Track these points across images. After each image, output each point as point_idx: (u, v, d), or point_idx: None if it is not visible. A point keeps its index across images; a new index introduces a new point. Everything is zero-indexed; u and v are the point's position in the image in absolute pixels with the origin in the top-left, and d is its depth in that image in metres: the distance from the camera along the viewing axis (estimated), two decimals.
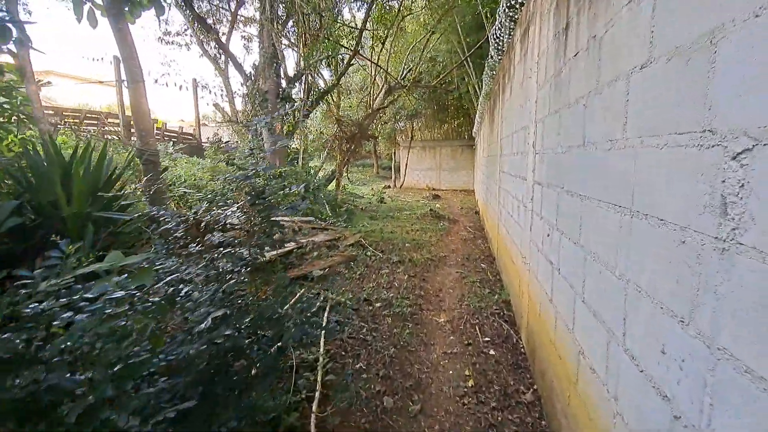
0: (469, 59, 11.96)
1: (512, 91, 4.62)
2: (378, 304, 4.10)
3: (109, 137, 6.31)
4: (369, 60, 11.42)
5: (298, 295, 3.97)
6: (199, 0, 8.92)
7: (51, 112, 8.76)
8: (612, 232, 1.49)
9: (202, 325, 1.40)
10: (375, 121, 16.26)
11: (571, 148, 2.06)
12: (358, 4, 11.58)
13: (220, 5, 10.49)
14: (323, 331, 3.17)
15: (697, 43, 0.98)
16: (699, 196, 0.96)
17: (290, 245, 5.16)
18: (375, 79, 11.78)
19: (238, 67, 7.52)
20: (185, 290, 1.59)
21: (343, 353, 3.12)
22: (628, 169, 1.36)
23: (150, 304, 1.42)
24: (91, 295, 1.25)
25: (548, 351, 2.44)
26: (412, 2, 13.59)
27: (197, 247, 1.83)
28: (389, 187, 20.09)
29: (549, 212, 2.53)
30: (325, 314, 3.58)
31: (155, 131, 12.09)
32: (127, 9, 3.43)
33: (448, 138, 20.81)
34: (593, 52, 1.75)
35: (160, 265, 1.79)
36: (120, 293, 1.47)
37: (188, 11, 6.69)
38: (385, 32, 11.81)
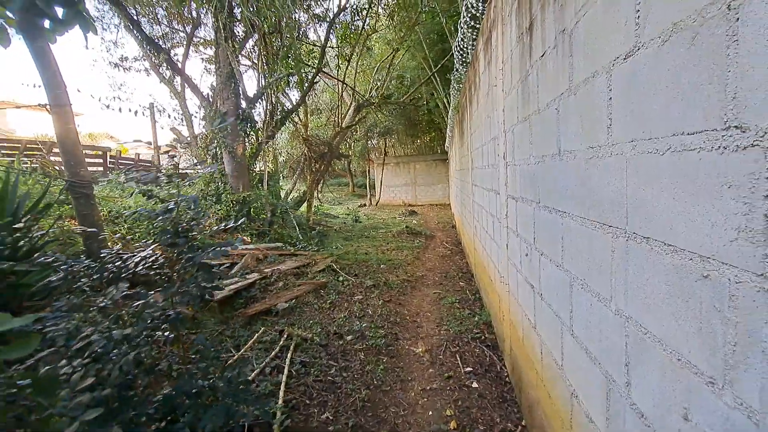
0: (436, 74, 12.00)
1: (479, 102, 4.46)
2: (349, 337, 3.74)
3: (51, 169, 5.75)
4: (335, 78, 11.25)
5: (255, 336, 3.57)
6: (152, 23, 8.55)
7: None
8: (602, 257, 1.23)
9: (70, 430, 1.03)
10: (346, 139, 16.05)
11: (544, 158, 1.83)
12: (321, 25, 11.48)
13: (176, 27, 10.13)
14: (284, 379, 2.78)
15: (707, 12, 0.73)
16: (727, 216, 0.70)
17: (252, 276, 4.76)
18: (342, 97, 11.61)
19: (194, 88, 7.16)
20: (74, 365, 1.22)
21: (308, 401, 2.74)
22: (618, 180, 1.11)
23: (15, 390, 1.05)
24: None
25: (535, 384, 2.15)
26: (376, 21, 13.65)
27: (103, 302, 1.46)
28: (365, 205, 19.81)
29: (525, 230, 2.28)
30: (288, 355, 3.19)
31: (111, 159, 11.42)
32: (47, 26, 3.05)
33: (421, 153, 20.83)
34: (563, 48, 1.53)
35: (52, 328, 1.41)
36: None
37: (137, 32, 6.32)
38: (351, 51, 11.72)
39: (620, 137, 1.08)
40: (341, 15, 9.72)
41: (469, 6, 4.05)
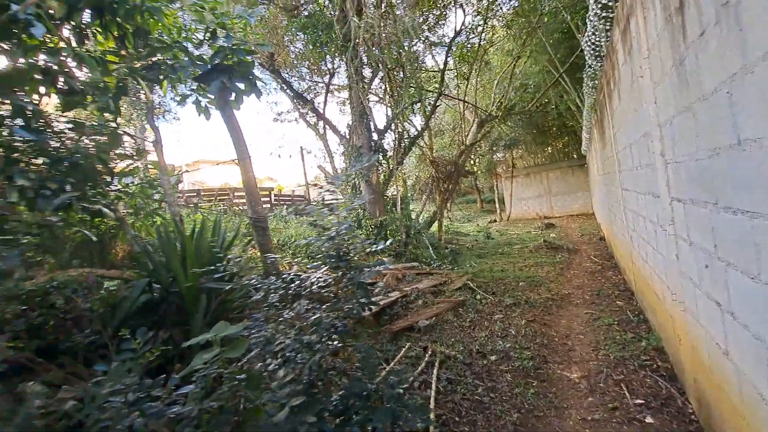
0: (564, 75, 11.14)
1: (620, 97, 3.99)
2: (493, 357, 3.64)
3: (235, 209, 7.32)
4: (456, 98, 11.42)
5: (402, 351, 3.76)
6: (299, 80, 10.15)
7: (194, 194, 10.71)
8: None
9: (281, 415, 1.30)
10: (471, 156, 15.94)
11: (718, 151, 1.56)
12: (438, 50, 11.89)
13: (316, 80, 11.80)
14: (433, 394, 2.87)
15: None
16: None
17: (394, 295, 5.05)
18: (464, 115, 11.67)
19: (334, 129, 8.17)
20: (271, 365, 1.53)
21: (457, 419, 2.76)
22: None
23: (237, 382, 1.38)
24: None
25: (736, 426, 1.76)
26: (492, 34, 13.47)
27: (288, 314, 1.80)
28: (495, 221, 19.13)
29: (701, 237, 1.94)
30: (434, 372, 3.28)
31: (274, 197, 13.73)
32: (232, 98, 3.95)
33: (554, 160, 19.28)
34: (727, 23, 1.32)
35: (254, 335, 1.80)
36: (214, 369, 1.46)
37: (289, 91, 7.62)
38: (469, 69, 11.78)
39: None
40: (457, 37, 9.93)
41: None
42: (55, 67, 3.05)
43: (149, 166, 4.51)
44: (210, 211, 5.56)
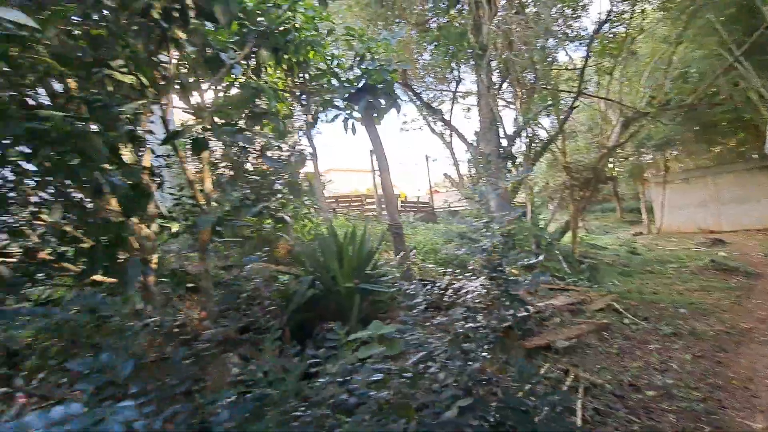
0: (740, 59, 9.16)
1: None
2: (651, 393, 3.22)
3: (369, 215, 7.90)
4: (596, 97, 10.33)
5: (542, 370, 3.58)
6: (426, 91, 10.46)
7: (333, 199, 11.94)
8: None
9: (448, 413, 1.39)
10: (611, 160, 14.18)
11: None
12: (575, 45, 10.90)
13: (441, 89, 11.99)
14: (579, 422, 2.69)
15: None
16: None
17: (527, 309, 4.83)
18: (606, 115, 10.48)
19: (461, 137, 8.21)
20: (432, 369, 1.65)
21: None
22: None
23: (403, 378, 1.53)
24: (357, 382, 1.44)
25: None
26: (642, 19, 11.80)
27: (440, 319, 1.91)
28: (641, 233, 16.63)
29: None
30: (579, 399, 3.05)
31: (400, 203, 14.40)
32: (375, 115, 4.33)
33: (723, 161, 15.90)
34: None
35: (408, 336, 1.95)
36: (380, 366, 1.65)
37: (418, 101, 7.95)
38: (613, 62, 10.52)
39: None
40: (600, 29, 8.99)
41: None
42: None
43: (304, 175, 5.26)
44: (349, 217, 6.16)
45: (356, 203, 10.90)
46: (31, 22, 1.10)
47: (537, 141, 8.09)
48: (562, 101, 8.84)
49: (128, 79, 1.67)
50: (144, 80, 1.83)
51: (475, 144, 7.92)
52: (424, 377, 1.63)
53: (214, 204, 2.31)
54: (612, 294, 5.94)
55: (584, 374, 3.51)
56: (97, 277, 1.74)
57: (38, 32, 1.26)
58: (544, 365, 3.70)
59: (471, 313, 1.89)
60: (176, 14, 1.96)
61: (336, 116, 4.67)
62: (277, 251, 4.68)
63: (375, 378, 1.46)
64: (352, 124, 4.48)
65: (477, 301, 2.00)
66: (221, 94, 3.70)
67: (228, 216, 2.39)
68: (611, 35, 10.63)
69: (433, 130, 9.07)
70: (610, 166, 17.18)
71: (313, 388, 1.48)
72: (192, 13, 2.01)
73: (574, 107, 7.94)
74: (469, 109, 13.33)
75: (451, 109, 9.73)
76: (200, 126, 1.83)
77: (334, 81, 4.57)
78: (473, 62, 8.11)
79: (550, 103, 7.25)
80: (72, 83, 1.62)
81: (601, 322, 4.67)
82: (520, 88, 7.46)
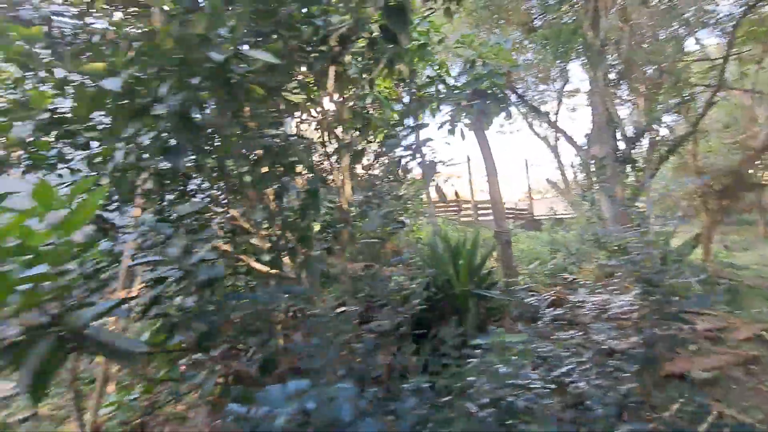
0: None
1: None
2: None
3: (473, 221, 7.71)
4: (739, 90, 8.80)
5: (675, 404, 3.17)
6: (528, 91, 9.95)
7: (433, 205, 12.03)
8: None
9: None
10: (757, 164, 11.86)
11: None
12: (708, 32, 9.42)
13: (542, 88, 11.30)
14: None
15: None
16: None
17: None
18: (752, 111, 8.86)
19: (569, 139, 7.63)
20: (575, 382, 1.58)
21: None
22: None
23: (546, 390, 1.50)
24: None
25: None
26: None
27: (574, 336, 1.82)
28: None
29: None
30: None
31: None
32: (484, 120, 4.28)
33: None
34: None
35: (534, 346, 1.90)
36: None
37: (522, 104, 7.62)
38: (763, 49, 8.83)
39: None
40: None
41: None
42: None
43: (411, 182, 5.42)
44: (448, 221, 6.19)
45: (455, 208, 10.81)
46: (274, 60, 1.36)
47: (663, 142, 7.17)
48: (693, 96, 7.70)
49: (298, 98, 1.94)
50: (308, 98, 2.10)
51: (585, 147, 7.32)
52: (565, 390, 1.57)
53: (351, 207, 2.53)
54: (761, 323, 4.99)
55: (730, 411, 3.02)
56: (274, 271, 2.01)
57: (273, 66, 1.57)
58: (677, 396, 3.28)
59: (617, 330, 1.76)
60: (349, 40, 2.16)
61: (445, 122, 4.71)
62: (384, 252, 4.89)
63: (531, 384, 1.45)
64: (461, 130, 4.48)
65: (624, 317, 1.86)
66: (348, 105, 3.99)
67: (359, 219, 2.58)
68: (758, 18, 8.94)
69: (535, 133, 8.60)
70: (756, 171, 14.40)
71: (474, 388, 1.52)
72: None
73: (713, 102, 6.86)
74: (574, 109, 12.36)
75: (558, 110, 9.13)
76: (359, 138, 2.02)
77: (441, 87, 4.63)
78: (584, 59, 7.55)
79: (682, 98, 6.35)
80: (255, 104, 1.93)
81: (747, 354, 3.97)
82: (643, 84, 6.68)
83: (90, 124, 1.76)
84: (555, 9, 7.10)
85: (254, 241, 2.01)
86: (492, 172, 4.28)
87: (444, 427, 1.39)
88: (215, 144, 1.80)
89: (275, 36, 1.90)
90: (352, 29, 1.99)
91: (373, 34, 2.22)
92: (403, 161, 4.03)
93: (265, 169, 1.61)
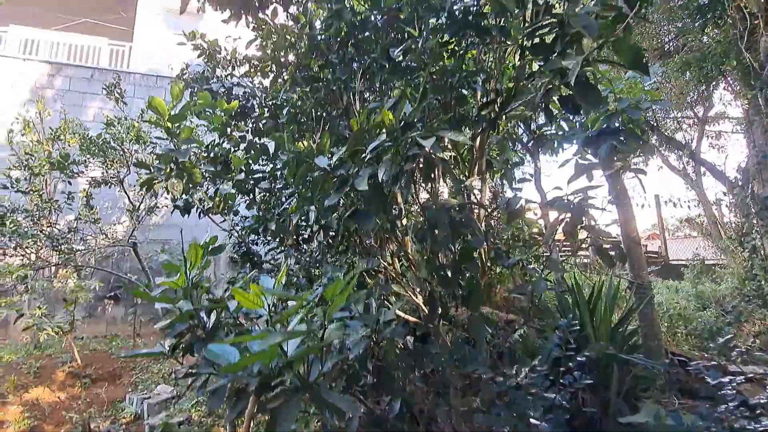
0: None
1: None
2: None
3: (594, 266, 6.87)
4: None
5: None
6: (665, 119, 8.78)
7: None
8: None
9: None
10: None
11: None
12: None
13: (676, 115, 9.91)
14: None
15: None
16: None
17: None
18: None
19: (716, 172, 6.52)
20: None
21: None
22: None
23: None
24: None
25: None
26: None
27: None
28: None
29: None
30: None
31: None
32: (616, 160, 3.90)
33: None
34: None
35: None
36: None
37: (656, 136, 6.79)
38: None
39: None
40: None
41: None
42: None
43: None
44: (569, 266, 5.69)
45: (566, 248, 9.78)
46: (468, 141, 1.48)
47: None
48: None
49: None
50: None
51: (740, 183, 6.16)
52: None
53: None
54: None
55: None
56: None
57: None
58: None
59: None
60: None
61: (567, 161, 4.41)
62: (496, 296, 4.66)
63: None
64: (589, 170, 4.14)
65: None
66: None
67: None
68: None
69: (671, 167, 7.47)
70: None
71: None
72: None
73: None
74: (718, 137, 10.60)
75: (699, 140, 7.87)
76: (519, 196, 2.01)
77: (563, 123, 4.37)
78: (736, 82, 6.53)
79: None
80: None
81: None
82: None
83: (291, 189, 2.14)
84: (698, 31, 6.25)
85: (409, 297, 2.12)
86: (628, 216, 3.84)
87: None
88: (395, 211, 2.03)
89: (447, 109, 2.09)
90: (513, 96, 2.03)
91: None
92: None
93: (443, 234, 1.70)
